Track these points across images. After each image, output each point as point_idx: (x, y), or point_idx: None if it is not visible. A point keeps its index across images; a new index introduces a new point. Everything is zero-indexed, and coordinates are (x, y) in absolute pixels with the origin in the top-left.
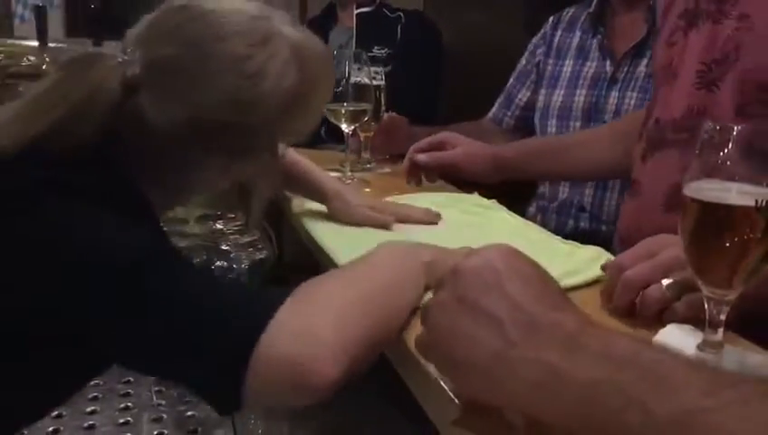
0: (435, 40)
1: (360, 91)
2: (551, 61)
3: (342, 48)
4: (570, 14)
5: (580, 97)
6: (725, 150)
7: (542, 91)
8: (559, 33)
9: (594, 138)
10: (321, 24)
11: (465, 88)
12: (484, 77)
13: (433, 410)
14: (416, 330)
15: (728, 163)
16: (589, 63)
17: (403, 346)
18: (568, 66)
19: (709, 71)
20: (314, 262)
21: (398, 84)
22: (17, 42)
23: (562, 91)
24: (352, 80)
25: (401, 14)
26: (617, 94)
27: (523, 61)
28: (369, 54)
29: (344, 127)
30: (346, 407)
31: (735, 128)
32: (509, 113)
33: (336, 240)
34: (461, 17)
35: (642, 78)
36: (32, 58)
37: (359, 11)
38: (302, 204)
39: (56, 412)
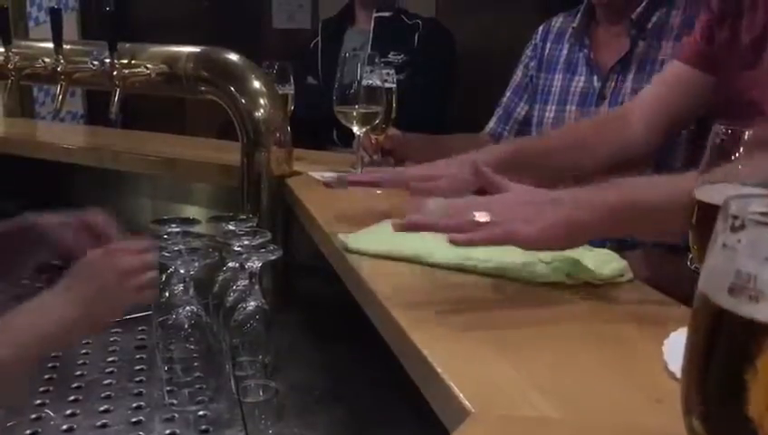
0: (450, 47)
1: (372, 94)
2: (542, 75)
3: (356, 51)
4: (558, 24)
5: (571, 113)
6: (736, 154)
7: (537, 106)
8: (548, 45)
9: (575, 143)
10: (338, 25)
11: (477, 91)
12: (496, 80)
13: (441, 409)
14: (422, 329)
15: (739, 166)
16: (577, 78)
17: (412, 347)
18: (557, 81)
19: None
20: (325, 264)
21: (413, 91)
22: (32, 44)
23: (554, 107)
24: (364, 82)
25: (419, 22)
26: (605, 111)
27: (519, 73)
28: (385, 60)
29: (355, 129)
30: (357, 406)
31: (747, 132)
32: (507, 128)
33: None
34: (473, 21)
35: (629, 93)
36: (47, 60)
37: (377, 14)
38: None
39: (69, 411)
